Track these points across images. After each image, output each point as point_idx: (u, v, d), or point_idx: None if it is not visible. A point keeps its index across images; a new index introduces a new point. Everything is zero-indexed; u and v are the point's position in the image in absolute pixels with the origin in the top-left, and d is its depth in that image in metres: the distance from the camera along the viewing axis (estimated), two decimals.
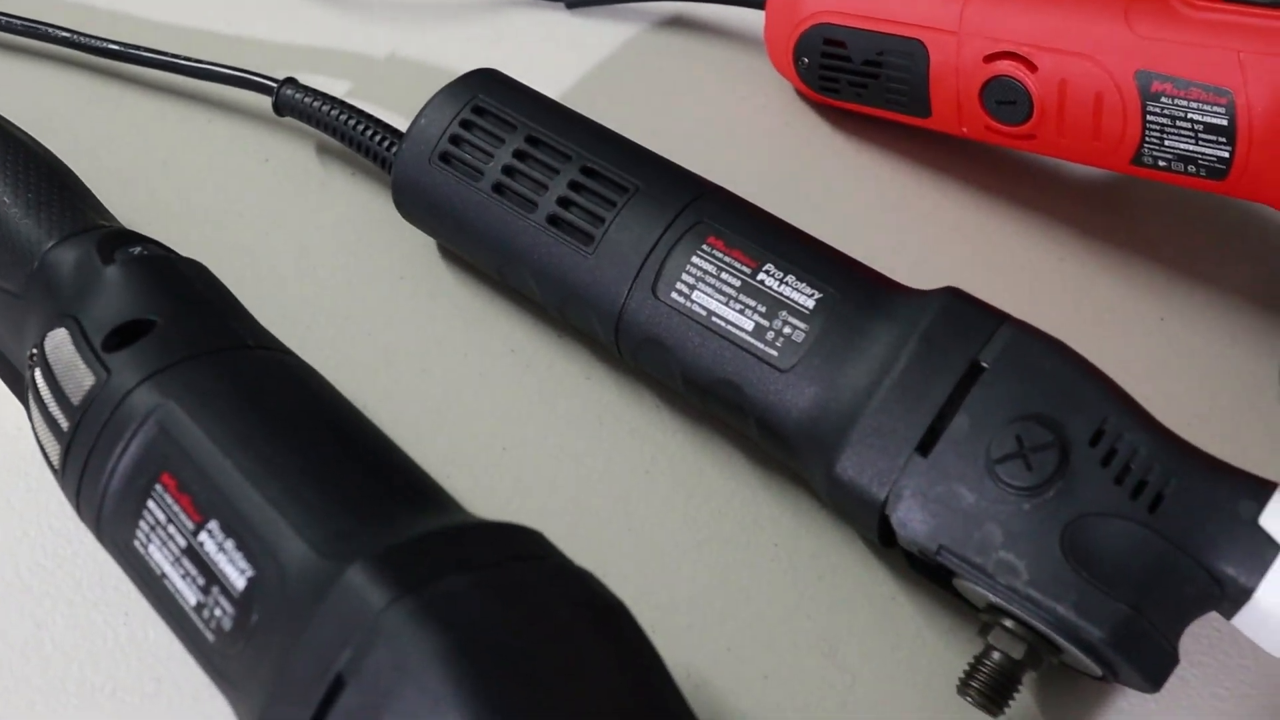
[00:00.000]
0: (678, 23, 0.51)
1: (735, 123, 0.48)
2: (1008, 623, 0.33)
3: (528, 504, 0.38)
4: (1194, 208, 0.45)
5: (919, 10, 0.43)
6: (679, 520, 0.38)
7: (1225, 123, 0.38)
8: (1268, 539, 0.31)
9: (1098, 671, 0.33)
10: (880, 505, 0.33)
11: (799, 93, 0.49)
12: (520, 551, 0.29)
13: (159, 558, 0.30)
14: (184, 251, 0.38)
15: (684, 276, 0.36)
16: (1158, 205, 0.46)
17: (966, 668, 0.34)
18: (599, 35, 0.50)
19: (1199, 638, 0.37)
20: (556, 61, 0.49)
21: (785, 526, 0.38)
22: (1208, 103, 0.38)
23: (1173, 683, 0.36)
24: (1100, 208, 0.46)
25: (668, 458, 0.39)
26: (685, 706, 0.29)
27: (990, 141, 0.43)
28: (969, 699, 0.33)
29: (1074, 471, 0.32)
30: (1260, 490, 0.32)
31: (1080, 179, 0.46)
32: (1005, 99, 0.42)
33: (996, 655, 0.33)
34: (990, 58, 0.41)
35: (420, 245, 0.44)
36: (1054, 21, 0.40)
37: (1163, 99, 0.38)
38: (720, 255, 0.36)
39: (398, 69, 0.49)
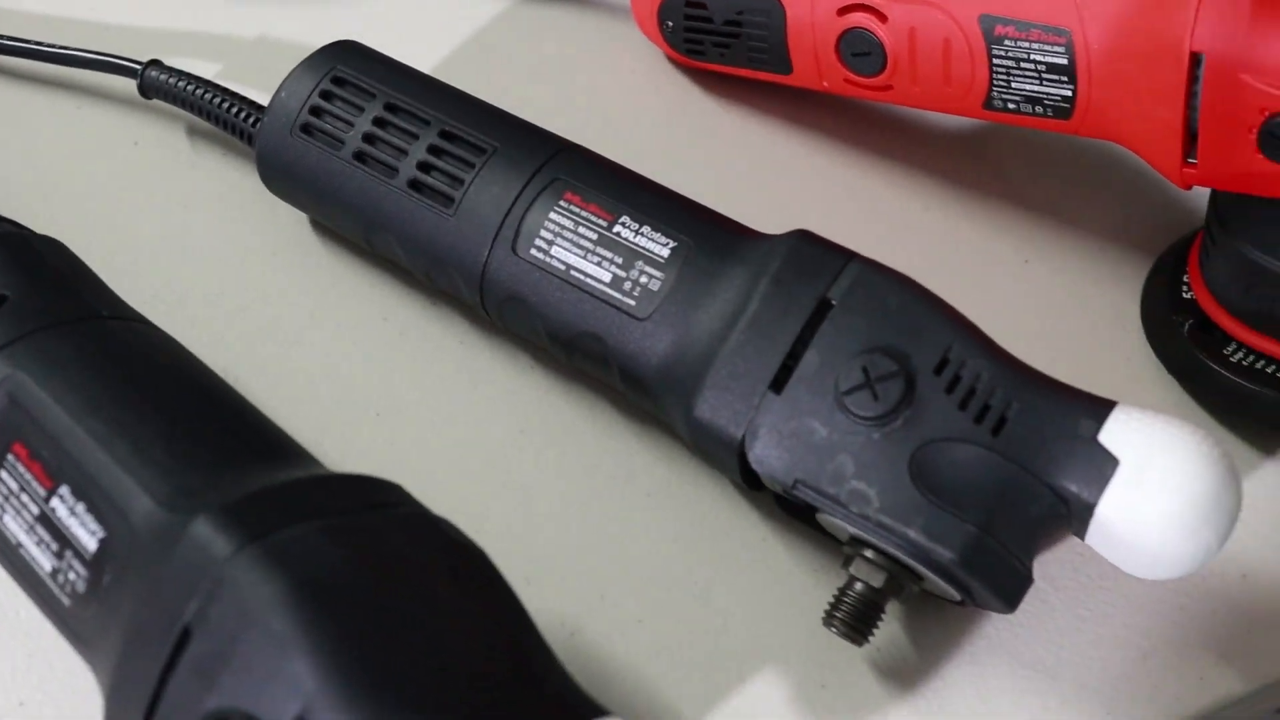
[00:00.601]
0: None
1: (607, 91, 0.49)
2: (868, 553, 0.34)
3: (402, 467, 0.39)
4: (1055, 152, 0.47)
5: None
6: (553, 475, 0.39)
7: (1065, 61, 0.39)
8: (1107, 455, 0.32)
9: (957, 596, 0.34)
10: (738, 444, 0.34)
11: (669, 58, 0.49)
12: (375, 501, 0.30)
13: (14, 527, 0.31)
14: (58, 236, 0.38)
15: (542, 232, 0.37)
16: (1019, 151, 0.47)
17: (831, 600, 0.34)
18: (470, 9, 0.51)
19: (1062, 562, 0.38)
20: (428, 38, 0.50)
21: (658, 476, 0.39)
22: (1048, 43, 0.39)
23: (1036, 606, 0.37)
24: (964, 156, 0.47)
25: (541, 416, 0.40)
26: (546, 650, 0.29)
27: (851, 95, 0.44)
28: (834, 630, 0.34)
29: (920, 399, 0.33)
30: (1100, 409, 0.32)
31: (944, 129, 0.47)
32: (860, 50, 0.42)
33: (859, 585, 0.34)
34: (843, 10, 0.42)
35: (292, 221, 0.44)
36: None
37: (1006, 41, 0.39)
38: (577, 210, 0.37)
39: (268, 49, 0.49)
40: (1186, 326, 0.41)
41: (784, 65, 0.45)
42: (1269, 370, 0.39)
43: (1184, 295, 0.41)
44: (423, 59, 0.48)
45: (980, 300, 0.43)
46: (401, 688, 0.25)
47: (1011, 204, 0.46)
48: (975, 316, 0.43)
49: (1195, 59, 0.35)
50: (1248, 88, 0.35)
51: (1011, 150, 0.47)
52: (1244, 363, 0.39)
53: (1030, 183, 0.46)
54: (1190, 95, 0.36)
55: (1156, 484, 0.31)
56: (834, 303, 0.34)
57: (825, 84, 0.44)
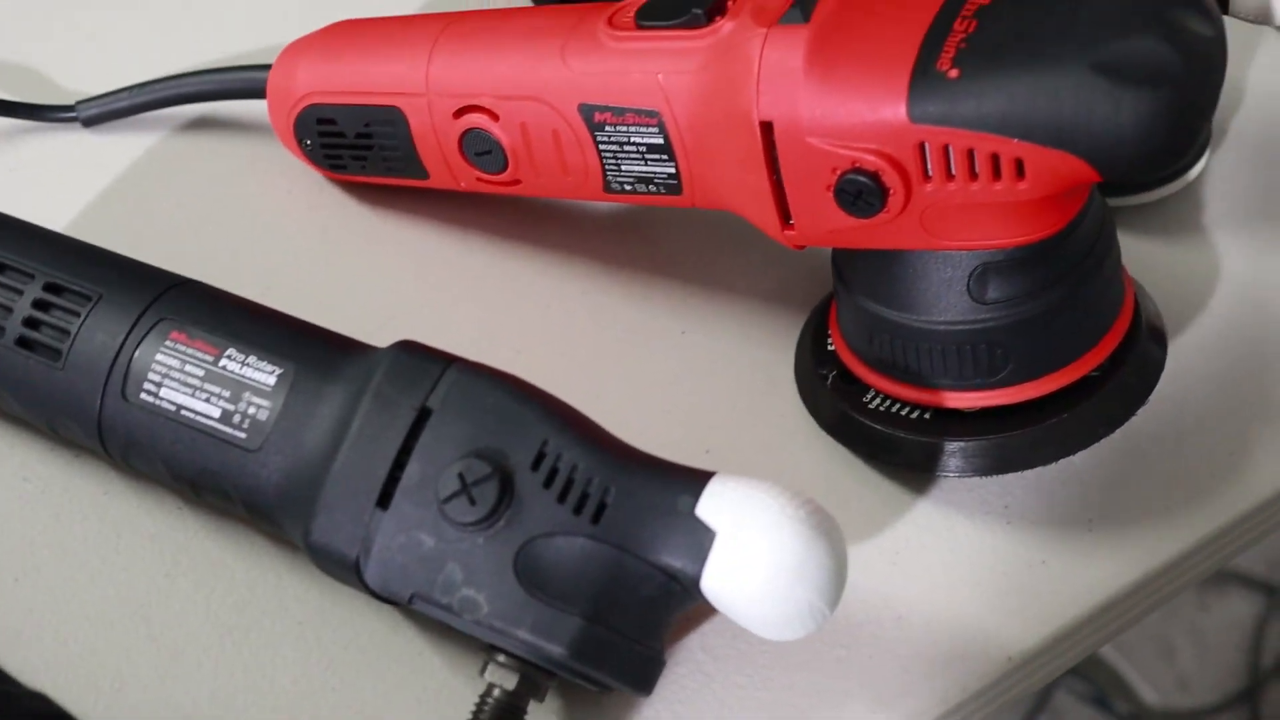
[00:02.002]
0: (202, 124, 0.51)
1: (262, 214, 0.48)
2: (500, 657, 0.33)
3: (40, 634, 0.38)
4: (706, 223, 0.47)
5: (391, 78, 0.44)
6: (201, 619, 0.38)
7: (661, 141, 0.39)
8: (705, 528, 0.32)
9: (593, 687, 0.34)
10: (354, 565, 0.34)
11: (325, 175, 0.49)
12: None
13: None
14: None
15: (150, 375, 0.36)
16: (672, 225, 0.48)
17: (473, 708, 0.34)
18: (122, 149, 0.50)
19: (720, 631, 0.38)
20: (79, 182, 0.49)
21: (312, 603, 0.38)
22: (642, 125, 0.39)
23: (695, 680, 0.37)
24: (620, 235, 0.47)
25: (190, 558, 0.39)
26: None
27: (488, 191, 0.44)
28: None
29: (520, 497, 0.33)
30: (697, 483, 0.33)
31: (598, 212, 0.48)
32: (482, 150, 0.43)
33: (495, 691, 0.34)
34: (458, 113, 0.43)
35: None
36: (504, 71, 0.41)
37: (606, 127, 0.40)
38: (184, 348, 0.36)
39: None
40: (830, 379, 0.42)
41: (420, 171, 0.45)
42: (904, 414, 0.40)
43: (828, 348, 0.42)
44: (73, 204, 0.48)
45: (640, 375, 0.44)
46: None
47: (668, 277, 0.46)
48: (635, 392, 0.44)
49: (766, 127, 0.36)
50: (816, 150, 0.36)
51: (665, 225, 0.48)
52: (881, 408, 0.40)
53: (684, 255, 0.47)
54: (771, 162, 0.37)
55: (746, 551, 0.31)
56: (433, 410, 0.34)
57: (463, 184, 0.45)
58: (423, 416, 0.34)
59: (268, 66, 0.47)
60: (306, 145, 0.46)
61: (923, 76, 0.34)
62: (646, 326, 0.45)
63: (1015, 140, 0.34)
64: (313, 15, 0.48)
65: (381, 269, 0.47)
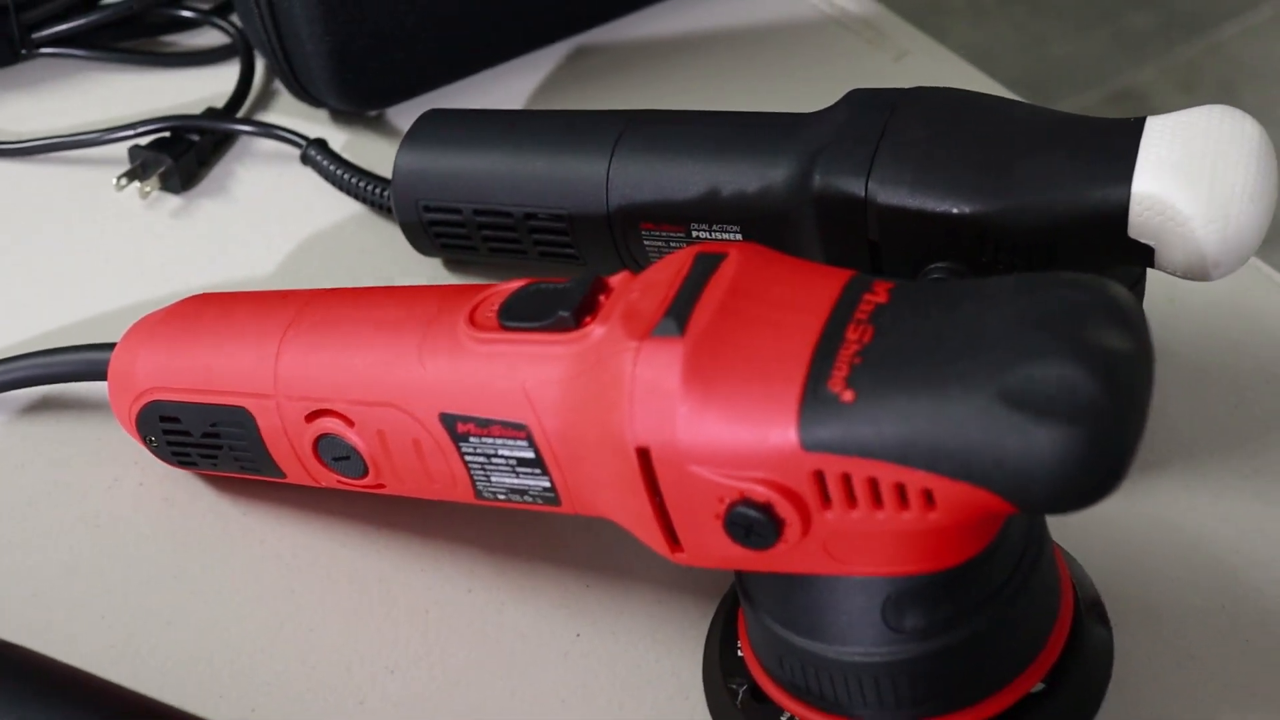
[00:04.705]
0: (44, 406, 0.47)
1: (109, 513, 0.43)
2: None
3: None
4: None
5: (238, 377, 0.39)
6: None
7: (532, 455, 0.35)
8: None
9: None
10: None
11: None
12: None
13: None
14: None
15: None
16: (557, 521, 0.43)
17: None
18: None
19: None
20: None
21: None
22: (510, 438, 0.35)
23: None
24: (502, 524, 0.43)
25: None
26: None
27: (352, 490, 0.40)
28: None
29: None
30: None
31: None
32: (339, 455, 0.38)
33: None
34: (311, 416, 0.38)
35: None
36: (357, 373, 0.37)
37: (471, 439, 0.36)
38: None
39: None
40: (740, 695, 0.37)
41: (275, 470, 0.40)
42: None
43: (737, 653, 0.38)
44: None
45: (528, 689, 0.39)
46: None
47: (560, 567, 0.42)
48: (524, 708, 0.38)
49: (643, 453, 0.32)
50: (699, 479, 0.31)
51: (549, 519, 0.43)
52: None
53: (577, 542, 0.42)
54: (652, 487, 0.33)
55: None
56: None
57: (323, 484, 0.40)
58: None
59: (110, 346, 0.43)
60: (151, 442, 0.42)
61: (814, 399, 0.30)
62: (537, 631, 0.40)
63: (920, 471, 0.30)
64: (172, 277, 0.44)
65: (238, 572, 0.42)
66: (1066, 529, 0.39)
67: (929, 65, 0.61)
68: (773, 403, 0.31)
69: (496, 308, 0.36)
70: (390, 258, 0.51)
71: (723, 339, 0.32)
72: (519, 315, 0.35)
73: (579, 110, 0.48)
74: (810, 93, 0.46)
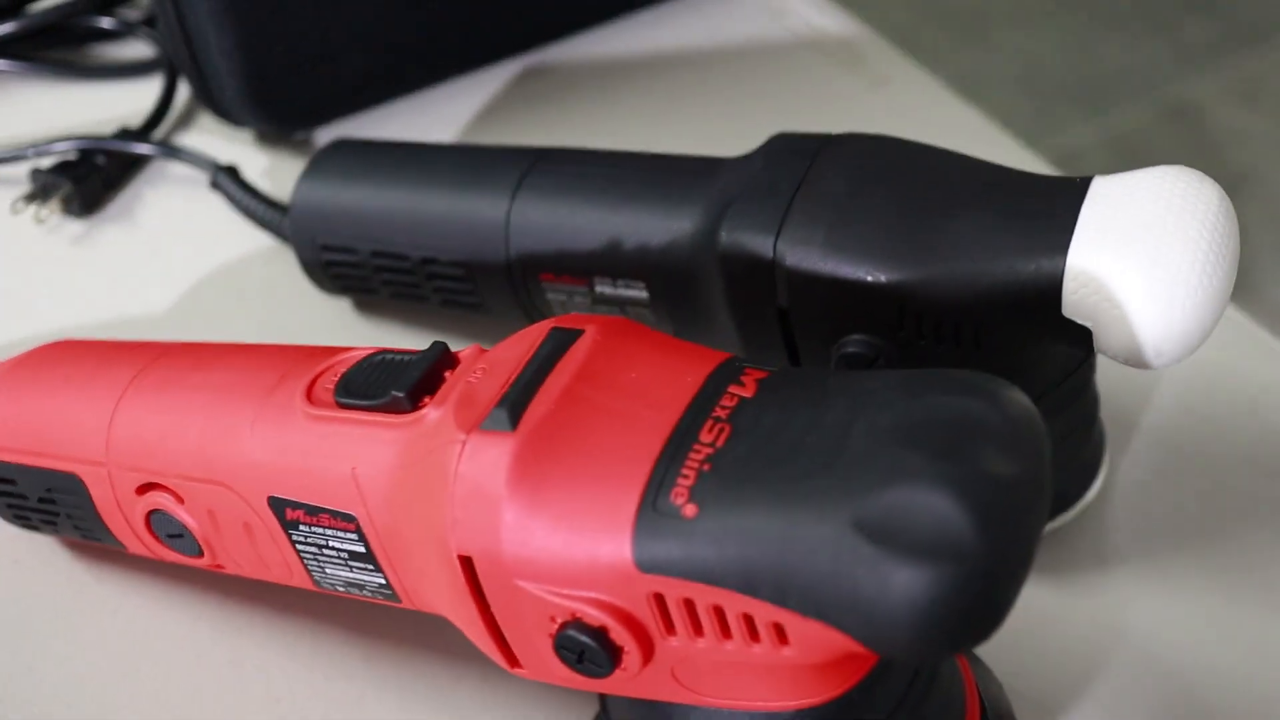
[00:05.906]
0: None
1: None
2: None
3: None
4: None
5: (72, 440, 0.35)
6: None
7: (363, 549, 0.31)
8: None
9: None
10: None
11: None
12: None
13: None
14: None
15: None
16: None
17: None
18: None
19: None
20: None
21: None
22: (339, 529, 0.31)
23: None
24: (373, 614, 0.39)
25: None
26: None
27: (200, 567, 0.36)
28: None
29: None
30: None
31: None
32: (173, 532, 0.34)
33: None
34: (141, 489, 0.34)
35: None
36: (188, 445, 0.33)
37: (301, 526, 0.32)
38: None
39: None
40: None
41: (114, 540, 0.37)
42: None
43: None
44: None
45: None
46: None
47: (431, 662, 0.38)
48: None
49: (466, 561, 0.28)
50: (527, 595, 0.27)
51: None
52: None
53: (453, 633, 0.38)
54: (481, 599, 0.29)
55: None
56: None
57: (164, 559, 0.36)
58: None
59: None
60: None
61: (652, 511, 0.26)
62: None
63: (767, 604, 0.25)
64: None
65: (86, 642, 0.38)
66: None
67: (907, 94, 0.57)
68: (607, 513, 0.26)
69: (336, 380, 0.32)
70: (298, 294, 0.47)
71: (560, 434, 0.27)
72: (355, 391, 0.31)
73: (488, 146, 0.44)
74: (769, 125, 0.41)
